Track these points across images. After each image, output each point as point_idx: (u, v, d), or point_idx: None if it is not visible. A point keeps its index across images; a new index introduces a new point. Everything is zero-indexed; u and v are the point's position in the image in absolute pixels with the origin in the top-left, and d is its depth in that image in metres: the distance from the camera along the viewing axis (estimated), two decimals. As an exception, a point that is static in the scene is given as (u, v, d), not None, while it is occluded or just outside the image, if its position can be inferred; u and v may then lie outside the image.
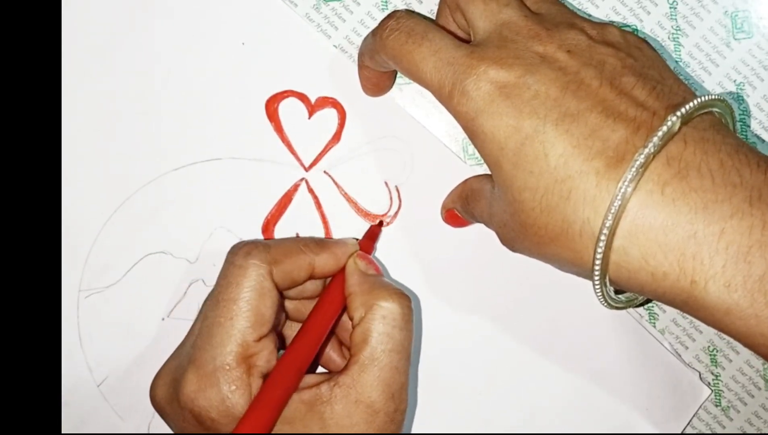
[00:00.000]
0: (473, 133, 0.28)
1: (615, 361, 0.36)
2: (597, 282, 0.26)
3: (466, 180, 0.34)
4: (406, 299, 0.31)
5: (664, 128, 0.25)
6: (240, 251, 0.31)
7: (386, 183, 0.36)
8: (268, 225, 0.36)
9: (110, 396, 0.36)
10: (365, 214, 0.36)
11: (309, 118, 0.36)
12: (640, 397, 0.36)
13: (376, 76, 0.34)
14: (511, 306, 0.36)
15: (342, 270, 0.33)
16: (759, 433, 0.37)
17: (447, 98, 0.28)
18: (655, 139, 0.25)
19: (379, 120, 0.36)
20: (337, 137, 0.36)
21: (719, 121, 0.27)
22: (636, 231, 0.25)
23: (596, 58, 0.27)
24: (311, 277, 0.32)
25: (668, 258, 0.25)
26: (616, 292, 0.28)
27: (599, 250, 0.25)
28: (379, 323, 0.30)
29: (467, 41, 0.30)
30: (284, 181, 0.36)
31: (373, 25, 0.36)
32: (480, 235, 0.34)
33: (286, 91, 0.36)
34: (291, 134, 0.36)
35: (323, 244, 0.33)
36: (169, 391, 0.30)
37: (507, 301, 0.36)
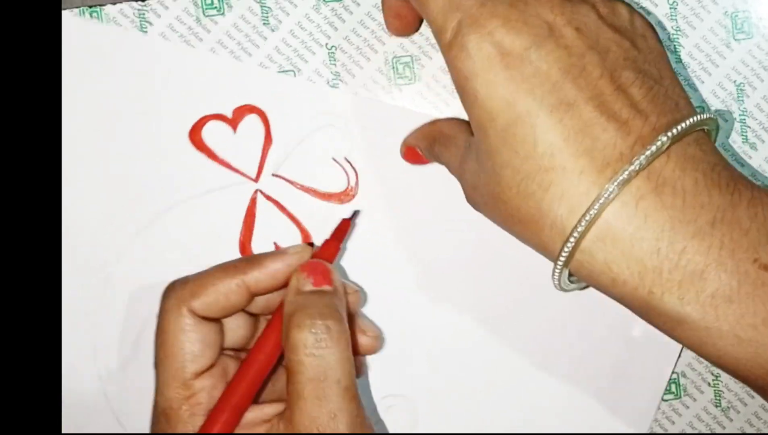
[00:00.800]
0: (464, 93, 0.27)
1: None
2: (557, 273, 0.27)
3: (436, 121, 0.34)
4: (320, 325, 0.29)
5: (653, 148, 0.25)
6: (164, 293, 0.31)
7: (334, 159, 0.36)
8: (244, 247, 0.36)
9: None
10: (328, 196, 0.36)
11: (234, 132, 0.36)
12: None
13: (400, 6, 0.33)
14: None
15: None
16: (759, 433, 0.37)
17: (446, 47, 0.28)
18: (642, 158, 0.25)
19: (300, 105, 0.36)
20: (268, 139, 0.36)
21: (704, 137, 0.27)
22: (604, 237, 0.26)
23: (602, 42, 0.27)
24: (256, 295, 0.31)
25: (630, 268, 0.26)
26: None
27: (567, 248, 0.26)
28: (292, 354, 0.29)
29: None
30: (240, 200, 0.36)
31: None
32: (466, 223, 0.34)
33: (201, 118, 0.35)
34: (225, 155, 0.36)
35: (254, 260, 0.31)
36: None
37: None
